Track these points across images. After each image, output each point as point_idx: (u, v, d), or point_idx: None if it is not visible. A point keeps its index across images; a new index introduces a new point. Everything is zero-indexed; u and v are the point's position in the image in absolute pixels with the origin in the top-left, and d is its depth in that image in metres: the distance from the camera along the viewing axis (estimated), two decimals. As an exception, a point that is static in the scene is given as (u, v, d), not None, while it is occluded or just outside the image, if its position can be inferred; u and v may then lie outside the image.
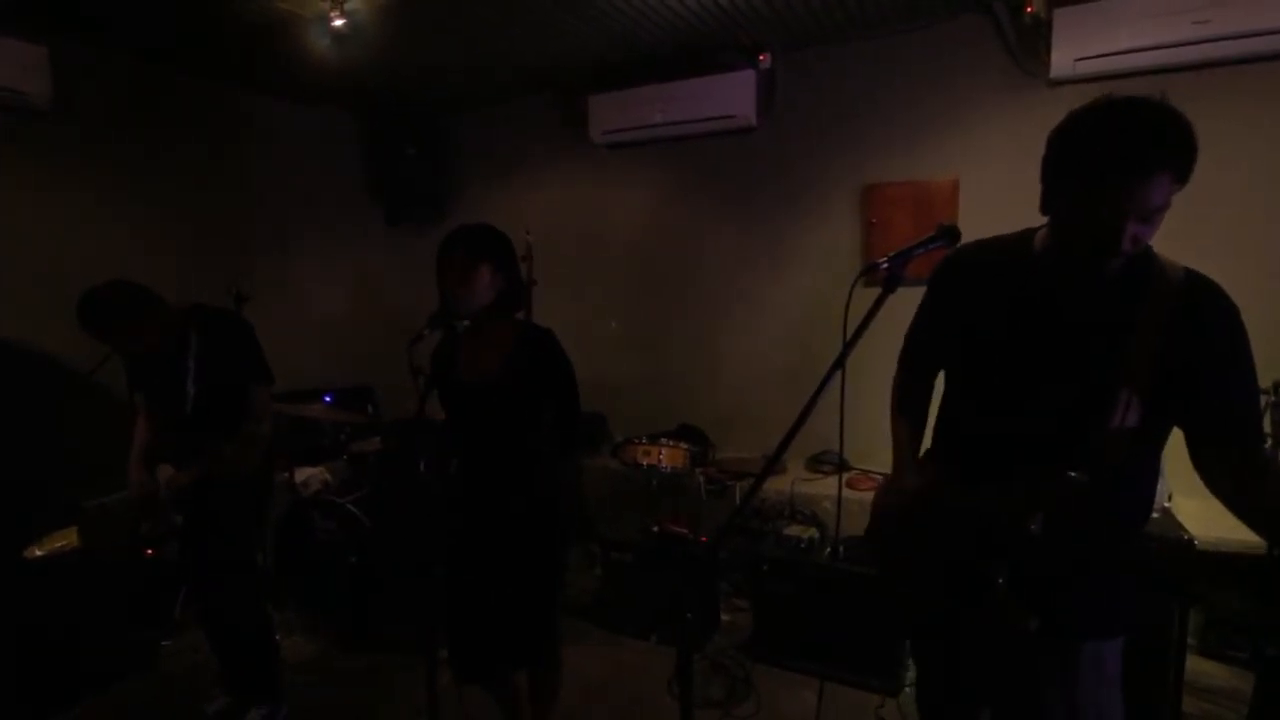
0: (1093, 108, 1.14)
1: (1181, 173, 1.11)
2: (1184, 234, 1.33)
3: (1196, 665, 2.62)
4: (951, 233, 1.25)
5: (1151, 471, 1.30)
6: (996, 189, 3.30)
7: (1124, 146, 1.09)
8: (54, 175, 3.41)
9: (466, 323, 1.85)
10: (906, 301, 1.56)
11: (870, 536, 1.65)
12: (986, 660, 1.39)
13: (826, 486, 3.49)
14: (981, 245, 1.42)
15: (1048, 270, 1.27)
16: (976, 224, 1.52)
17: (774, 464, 1.20)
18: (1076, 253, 1.20)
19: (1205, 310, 1.18)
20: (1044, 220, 1.28)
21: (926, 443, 1.59)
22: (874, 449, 3.73)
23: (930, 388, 1.62)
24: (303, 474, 3.47)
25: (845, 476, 3.60)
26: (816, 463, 3.76)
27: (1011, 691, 1.34)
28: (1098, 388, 1.19)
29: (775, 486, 3.52)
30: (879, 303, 1.19)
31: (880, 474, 3.60)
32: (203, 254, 3.90)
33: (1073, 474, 1.18)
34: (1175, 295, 1.17)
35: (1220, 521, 2.57)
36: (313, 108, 4.52)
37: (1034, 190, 1.25)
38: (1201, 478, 1.22)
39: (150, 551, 2.99)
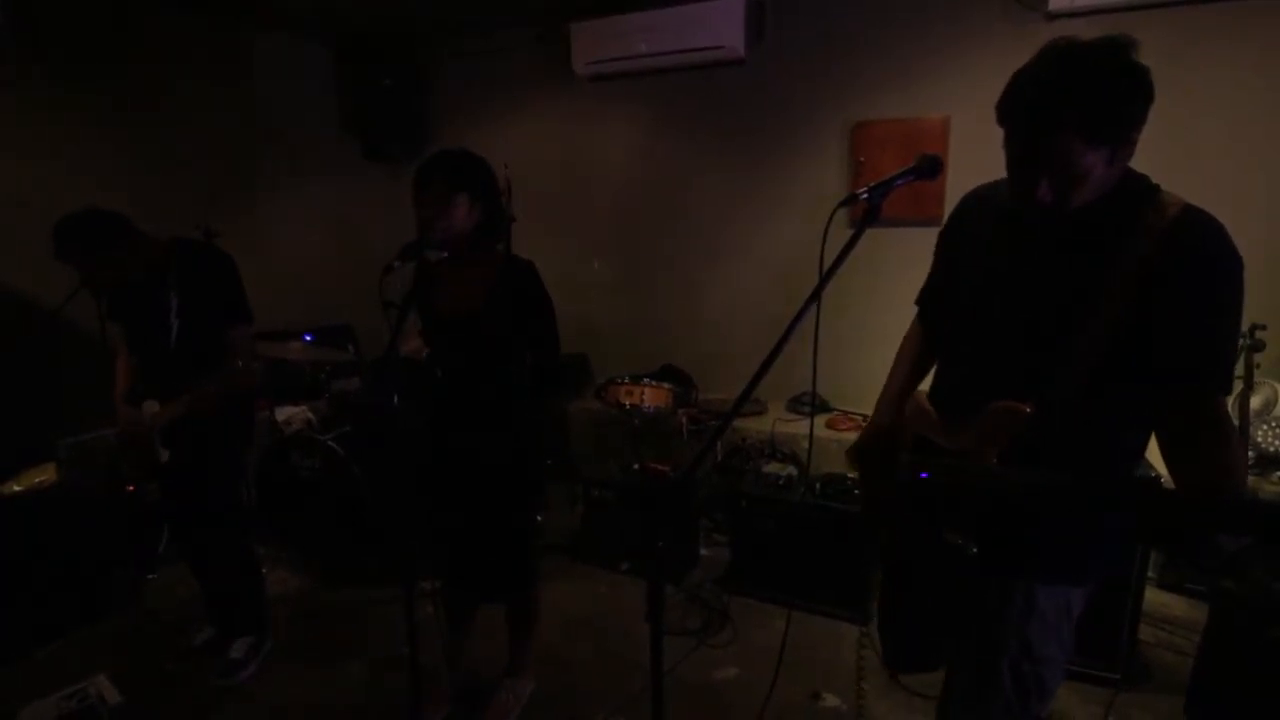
0: (1034, 58, 1.11)
1: (1088, 134, 1.04)
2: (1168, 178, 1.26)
3: (1157, 597, 2.73)
4: (933, 163, 1.22)
5: (1118, 420, 1.19)
6: (989, 128, 3.15)
7: (1028, 101, 1.09)
8: (4, 108, 3.24)
9: (444, 254, 1.79)
10: (882, 242, 1.53)
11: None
12: (940, 593, 1.36)
13: (806, 426, 3.52)
14: (983, 187, 1.39)
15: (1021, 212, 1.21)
16: (966, 165, 1.47)
17: (747, 396, 1.18)
18: (1010, 201, 1.18)
19: (1177, 254, 1.06)
20: None
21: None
22: (857, 390, 3.77)
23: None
24: (284, 413, 3.45)
25: (826, 417, 3.64)
26: (797, 404, 3.79)
27: (962, 625, 1.33)
28: (1053, 321, 1.15)
29: (756, 427, 3.56)
30: (856, 235, 1.17)
31: (861, 415, 3.64)
32: (168, 188, 3.75)
33: (1026, 409, 1.11)
34: (1156, 235, 1.07)
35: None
36: (284, 36, 4.30)
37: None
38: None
39: (131, 488, 2.99)
